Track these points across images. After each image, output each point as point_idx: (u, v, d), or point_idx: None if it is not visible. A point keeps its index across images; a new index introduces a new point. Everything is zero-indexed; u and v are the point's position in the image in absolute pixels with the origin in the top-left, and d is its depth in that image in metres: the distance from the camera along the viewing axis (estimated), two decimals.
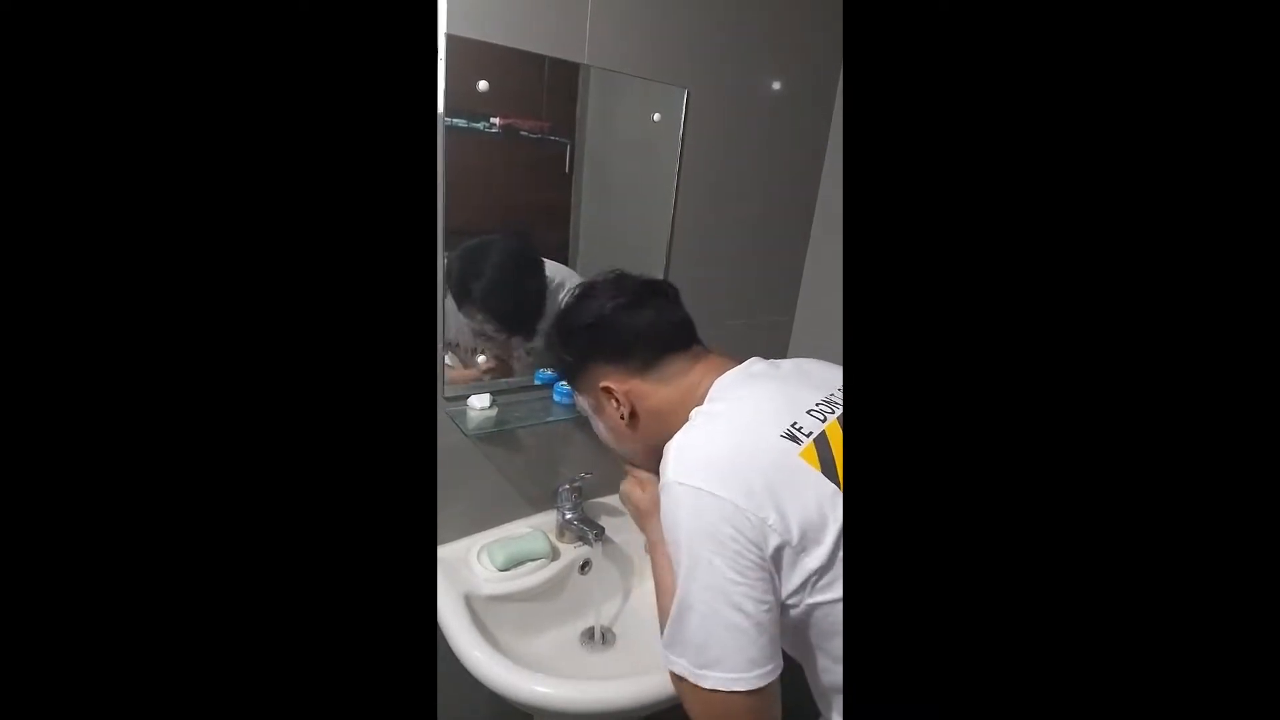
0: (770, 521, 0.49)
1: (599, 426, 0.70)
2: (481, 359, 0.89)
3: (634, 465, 0.71)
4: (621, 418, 0.65)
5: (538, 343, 0.92)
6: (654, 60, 0.88)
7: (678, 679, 0.53)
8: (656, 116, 0.92)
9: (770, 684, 0.50)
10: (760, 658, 0.49)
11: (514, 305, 0.89)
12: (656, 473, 0.62)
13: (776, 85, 1.02)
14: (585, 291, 0.67)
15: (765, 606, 0.49)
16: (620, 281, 0.66)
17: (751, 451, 0.52)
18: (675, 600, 0.52)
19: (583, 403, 0.71)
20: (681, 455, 0.54)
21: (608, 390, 0.64)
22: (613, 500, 1.07)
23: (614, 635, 0.94)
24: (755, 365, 0.63)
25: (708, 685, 0.50)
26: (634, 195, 0.98)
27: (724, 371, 0.62)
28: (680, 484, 0.52)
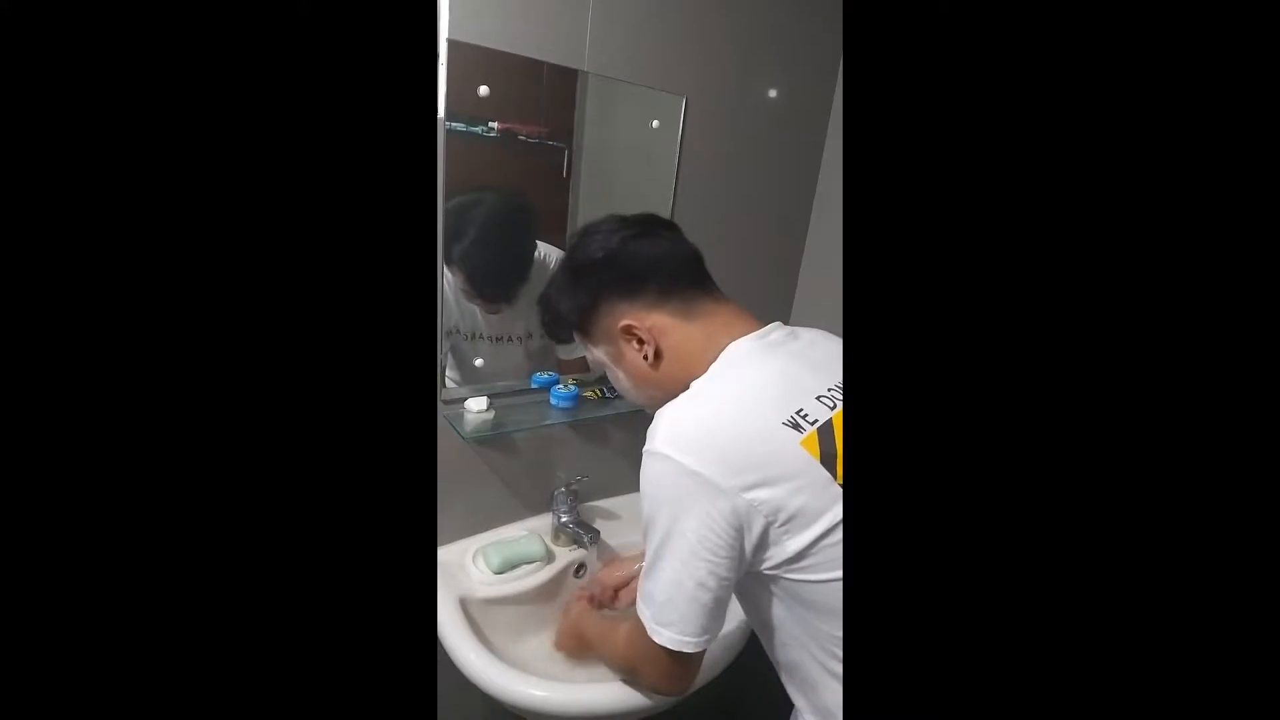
0: (756, 503, 0.51)
1: (618, 378, 0.66)
2: (479, 362, 0.90)
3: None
4: (645, 358, 0.61)
5: (520, 305, 0.89)
6: (653, 67, 0.88)
7: (639, 625, 0.58)
8: (655, 123, 0.93)
9: (704, 650, 0.57)
10: (710, 626, 0.55)
11: (493, 269, 0.85)
12: None
13: (773, 93, 1.03)
14: (588, 230, 0.64)
15: (726, 582, 0.53)
16: (621, 218, 0.65)
17: (749, 438, 0.52)
18: (648, 560, 0.55)
19: (599, 356, 0.66)
20: (675, 427, 0.53)
21: (629, 330, 0.61)
22: (608, 503, 1.08)
23: None
24: (774, 334, 0.61)
25: (660, 641, 0.55)
26: (632, 201, 0.98)
27: (742, 330, 0.60)
28: (668, 457, 0.52)
